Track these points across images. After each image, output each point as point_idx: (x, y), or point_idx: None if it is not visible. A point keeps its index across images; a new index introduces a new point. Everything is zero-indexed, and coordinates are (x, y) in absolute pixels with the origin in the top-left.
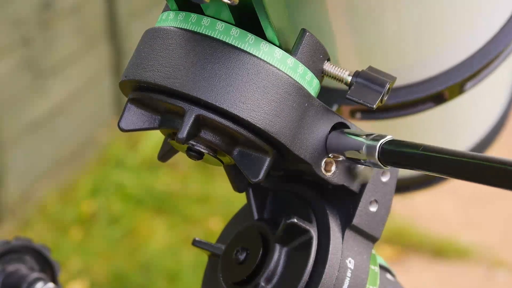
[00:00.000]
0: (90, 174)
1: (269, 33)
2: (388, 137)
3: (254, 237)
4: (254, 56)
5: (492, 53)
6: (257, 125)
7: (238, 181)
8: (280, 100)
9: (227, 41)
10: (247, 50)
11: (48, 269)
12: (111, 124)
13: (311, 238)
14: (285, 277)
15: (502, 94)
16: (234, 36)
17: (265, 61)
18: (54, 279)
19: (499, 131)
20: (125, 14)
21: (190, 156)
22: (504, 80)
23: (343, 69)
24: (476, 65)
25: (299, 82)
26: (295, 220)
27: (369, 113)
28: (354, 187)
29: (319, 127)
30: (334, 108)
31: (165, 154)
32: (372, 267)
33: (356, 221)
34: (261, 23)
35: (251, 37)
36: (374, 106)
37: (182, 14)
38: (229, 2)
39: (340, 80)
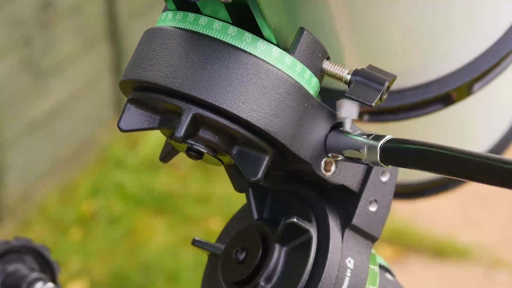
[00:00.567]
0: (90, 174)
1: (265, 31)
2: (388, 137)
3: (253, 237)
4: (252, 55)
5: (500, 53)
6: (257, 125)
7: (239, 181)
8: (280, 100)
9: (224, 40)
10: (244, 49)
11: (48, 269)
12: (111, 124)
13: (310, 238)
14: (285, 277)
15: None
16: (231, 35)
17: (263, 60)
18: (54, 279)
19: None
20: (125, 14)
21: (190, 156)
22: None
23: (343, 68)
24: (484, 65)
25: (298, 80)
26: (295, 220)
27: (377, 115)
28: (354, 187)
29: (318, 126)
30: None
31: (167, 155)
32: (372, 266)
33: (355, 220)
34: (257, 22)
35: (248, 36)
36: (373, 104)
37: (180, 14)
38: (223, 0)
39: (339, 78)
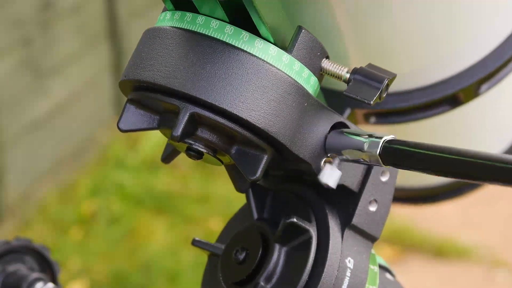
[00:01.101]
0: (90, 174)
1: (262, 30)
2: (390, 136)
3: (253, 237)
4: (249, 53)
5: (508, 53)
6: (257, 124)
7: (240, 181)
8: (280, 99)
9: (221, 38)
10: (242, 48)
11: (48, 269)
12: (111, 124)
13: (310, 238)
14: (285, 277)
15: None
16: (229, 33)
17: (260, 59)
18: (54, 279)
19: None
20: (125, 14)
21: (189, 156)
22: None
23: (342, 66)
24: (491, 66)
25: (296, 79)
26: (295, 220)
27: (383, 117)
28: (354, 186)
29: (318, 126)
30: (347, 112)
31: (168, 155)
32: (372, 266)
33: (355, 220)
34: (253, 20)
35: (245, 35)
36: (372, 102)
37: (178, 14)
38: None
39: (338, 77)
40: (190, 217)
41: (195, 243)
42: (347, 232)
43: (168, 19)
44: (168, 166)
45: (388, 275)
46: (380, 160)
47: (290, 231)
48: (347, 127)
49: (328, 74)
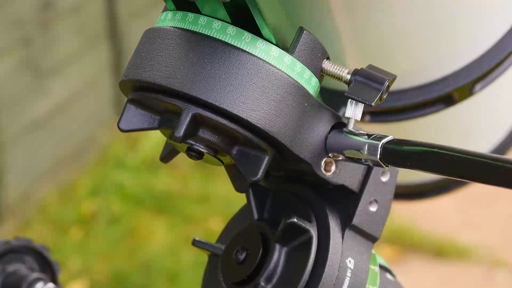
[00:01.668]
0: (90, 174)
1: (265, 31)
2: (390, 137)
3: (254, 237)
4: (252, 54)
5: (501, 53)
6: (257, 125)
7: (240, 181)
8: (280, 99)
9: (223, 39)
10: (244, 48)
11: (48, 269)
12: (111, 124)
13: (311, 238)
14: (285, 277)
15: None
16: (231, 34)
17: (262, 60)
18: (54, 279)
19: None
20: (125, 14)
21: (190, 156)
22: None
23: (342, 67)
24: (485, 66)
25: (297, 80)
26: (295, 220)
27: (378, 116)
28: (354, 187)
29: (318, 126)
30: (342, 110)
31: (167, 155)
32: (372, 267)
33: (356, 221)
34: (256, 21)
35: (247, 36)
36: (373, 104)
37: (179, 14)
38: None
39: (339, 78)
40: (190, 217)
41: (195, 243)
42: (348, 232)
43: (169, 19)
44: (168, 166)
45: (388, 275)
46: (380, 161)
47: (291, 231)
48: (347, 127)
49: (329, 75)
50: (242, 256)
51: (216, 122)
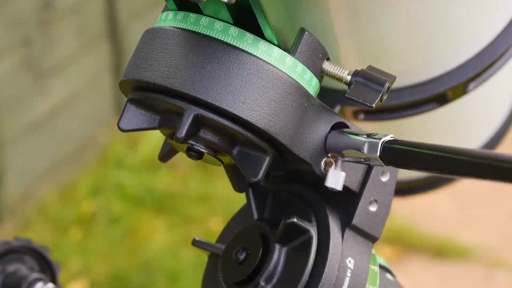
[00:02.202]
0: (90, 174)
1: (267, 32)
2: (389, 136)
3: (254, 237)
4: (253, 55)
5: (496, 53)
6: (257, 125)
7: (238, 181)
8: (280, 99)
9: (225, 40)
10: (246, 50)
11: (48, 269)
12: (111, 124)
13: (311, 238)
14: (285, 277)
15: (508, 93)
16: (233, 35)
17: (264, 61)
18: (54, 279)
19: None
20: (125, 14)
21: (190, 156)
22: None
23: (343, 68)
24: (479, 65)
25: (298, 81)
26: (295, 220)
27: (372, 114)
28: (354, 187)
29: (318, 127)
30: (337, 109)
31: (166, 154)
32: (372, 267)
33: (356, 221)
34: (259, 22)
35: (249, 37)
36: (374, 105)
37: (181, 14)
38: (225, 0)
39: (339, 79)
40: (190, 217)
41: (195, 243)
42: (348, 232)
43: (170, 19)
44: (168, 166)
45: (388, 275)
46: (380, 160)
47: (291, 231)
48: (347, 127)
49: (329, 75)
50: (242, 256)
51: (217, 122)
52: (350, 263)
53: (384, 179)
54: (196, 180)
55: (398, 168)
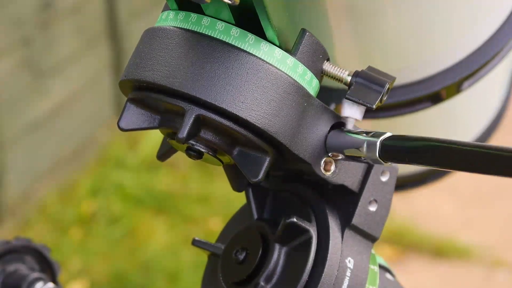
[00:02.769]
0: (90, 174)
1: (269, 33)
2: (388, 134)
3: (253, 237)
4: (254, 56)
5: (489, 53)
6: (257, 124)
7: (237, 181)
8: (280, 99)
9: (227, 41)
10: (247, 50)
11: (48, 269)
12: (111, 124)
13: (310, 238)
14: (285, 277)
15: (500, 91)
16: (234, 36)
17: (265, 61)
18: (54, 279)
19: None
20: (125, 14)
21: (189, 156)
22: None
23: (343, 69)
24: (473, 65)
25: (299, 81)
26: (295, 220)
27: (366, 112)
28: (354, 186)
29: (318, 126)
30: (332, 107)
31: (164, 153)
32: (372, 266)
33: (355, 220)
34: (262, 23)
35: (251, 37)
36: (374, 106)
37: (182, 14)
38: (229, 2)
39: (339, 80)
40: (190, 217)
41: (195, 243)
42: (347, 232)
43: (171, 19)
44: (168, 166)
45: (388, 275)
46: (379, 157)
47: (290, 231)
48: (346, 126)
49: (329, 76)
50: (242, 256)
51: (217, 122)
52: (349, 263)
53: (384, 179)
54: (196, 180)
55: (397, 163)
